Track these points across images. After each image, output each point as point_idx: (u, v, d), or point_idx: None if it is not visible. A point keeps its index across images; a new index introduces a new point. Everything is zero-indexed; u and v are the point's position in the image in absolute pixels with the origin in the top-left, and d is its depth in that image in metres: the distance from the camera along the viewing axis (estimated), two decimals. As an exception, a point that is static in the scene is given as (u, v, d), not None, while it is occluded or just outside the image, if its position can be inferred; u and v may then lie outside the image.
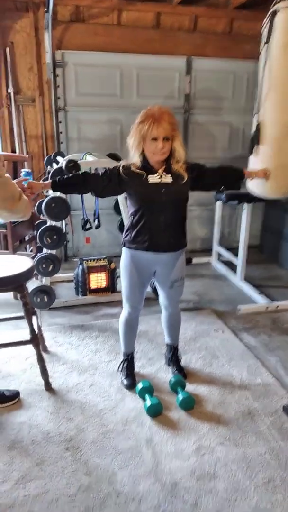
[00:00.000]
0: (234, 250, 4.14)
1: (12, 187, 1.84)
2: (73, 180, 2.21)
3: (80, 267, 3.53)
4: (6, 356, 2.66)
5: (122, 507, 1.70)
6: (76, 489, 1.78)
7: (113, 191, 2.26)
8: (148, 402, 2.21)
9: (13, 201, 1.82)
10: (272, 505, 1.71)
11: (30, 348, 2.46)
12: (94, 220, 3.57)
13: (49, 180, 2.21)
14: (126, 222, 2.29)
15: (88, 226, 3.58)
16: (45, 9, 3.63)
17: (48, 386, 2.41)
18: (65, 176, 2.25)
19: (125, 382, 2.44)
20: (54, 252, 3.29)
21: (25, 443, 2.02)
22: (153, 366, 2.64)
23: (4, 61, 3.86)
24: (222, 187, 2.43)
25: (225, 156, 4.56)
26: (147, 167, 2.08)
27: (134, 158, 2.08)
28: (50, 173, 3.13)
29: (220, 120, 4.54)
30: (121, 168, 2.11)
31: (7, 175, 1.81)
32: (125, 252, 2.25)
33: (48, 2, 3.48)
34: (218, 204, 4.30)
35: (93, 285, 3.53)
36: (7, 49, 3.83)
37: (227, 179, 2.37)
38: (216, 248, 4.46)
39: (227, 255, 4.29)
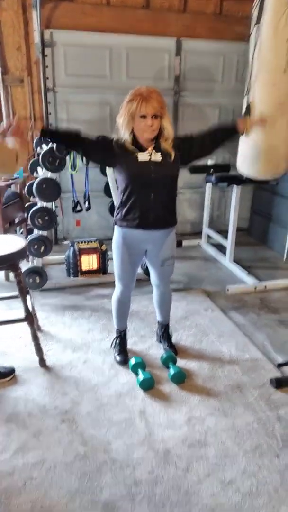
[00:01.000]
0: (223, 233, 4.21)
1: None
2: (67, 131, 2.22)
3: (72, 248, 3.56)
4: (0, 335, 2.70)
5: (117, 472, 1.78)
6: (73, 457, 1.85)
7: (102, 158, 2.27)
8: (141, 376, 2.28)
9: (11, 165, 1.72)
10: (259, 468, 1.81)
11: (23, 327, 2.51)
12: (84, 203, 3.60)
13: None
14: (116, 202, 2.31)
15: (78, 208, 3.61)
16: (33, -13, 3.58)
17: (42, 363, 2.46)
18: (59, 128, 2.24)
19: (118, 358, 2.51)
20: (45, 233, 3.32)
21: (22, 416, 2.08)
22: (145, 343, 2.71)
23: (-9, 40, 3.80)
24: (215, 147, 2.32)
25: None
26: (137, 145, 2.11)
27: (124, 137, 2.11)
28: (41, 154, 3.13)
29: (210, 101, 4.55)
30: (114, 141, 2.13)
31: None
32: (116, 231, 2.29)
33: (36, -21, 3.43)
34: (208, 186, 4.35)
35: (85, 267, 3.56)
36: (-5, 28, 3.77)
37: (218, 138, 2.31)
38: (206, 230, 4.53)
39: (217, 237, 4.35)
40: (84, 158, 3.08)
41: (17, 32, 3.85)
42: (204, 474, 1.78)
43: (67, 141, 2.31)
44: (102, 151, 2.17)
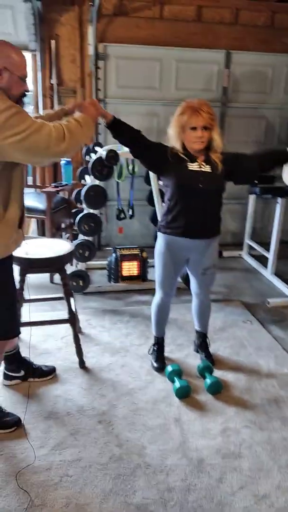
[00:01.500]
0: (265, 245, 4.16)
1: (45, 132, 1.60)
2: (132, 128, 2.21)
3: (114, 255, 3.65)
4: (43, 335, 2.81)
5: (151, 477, 1.81)
6: (108, 458, 1.90)
7: (155, 161, 2.25)
8: (177, 384, 2.30)
9: (57, 143, 1.63)
10: (295, 486, 1.78)
11: (65, 328, 2.61)
12: (128, 211, 3.69)
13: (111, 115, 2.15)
14: (162, 210, 2.36)
15: (122, 216, 3.70)
16: (91, 3, 3.73)
17: (82, 364, 2.54)
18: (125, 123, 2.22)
19: (155, 364, 2.55)
20: (90, 239, 3.42)
21: (61, 414, 2.15)
22: (182, 352, 2.73)
23: (49, 53, 3.99)
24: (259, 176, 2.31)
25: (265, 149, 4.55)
26: (188, 155, 2.16)
27: (175, 147, 2.17)
28: (90, 163, 3.25)
29: (258, 113, 4.54)
30: (170, 148, 2.18)
31: (39, 120, 1.63)
32: (160, 237, 2.34)
33: (93, -4, 3.58)
34: (252, 198, 4.32)
35: (125, 272, 3.64)
36: (52, 42, 3.96)
37: (269, 166, 2.30)
38: (248, 242, 4.49)
39: (259, 249, 4.31)
40: (135, 162, 3.07)
41: (73, 46, 4.02)
42: (237, 486, 1.78)
43: (130, 137, 2.23)
44: (157, 155, 2.20)
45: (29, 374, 2.37)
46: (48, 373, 2.43)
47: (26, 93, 1.73)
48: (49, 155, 1.66)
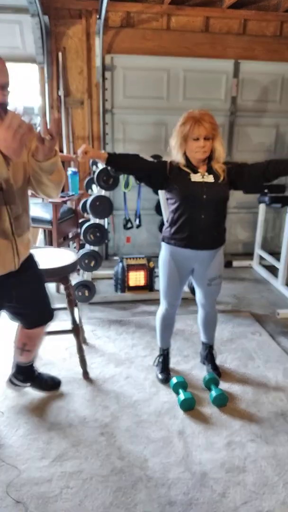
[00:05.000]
0: (276, 255, 4.11)
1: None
2: (127, 160, 2.27)
3: (120, 264, 3.64)
4: (47, 345, 2.79)
5: (152, 490, 1.77)
6: (109, 470, 1.86)
7: (156, 182, 2.28)
8: (182, 396, 2.26)
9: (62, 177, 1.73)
10: (301, 503, 1.72)
11: (70, 338, 2.59)
12: (135, 220, 3.68)
13: (105, 152, 2.23)
14: (167, 218, 2.35)
15: (129, 225, 3.70)
16: (98, 16, 3.78)
17: (86, 375, 2.51)
18: (120, 153, 2.29)
19: (160, 376, 2.51)
20: (96, 249, 3.42)
21: (63, 425, 2.13)
22: (188, 364, 2.69)
23: (57, 65, 4.05)
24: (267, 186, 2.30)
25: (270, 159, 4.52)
26: (189, 166, 2.14)
27: (177, 159, 2.16)
28: (96, 173, 3.26)
29: (267, 122, 4.53)
30: (168, 165, 2.18)
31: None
32: (164, 248, 2.32)
33: (100, 9, 3.62)
34: (262, 207, 4.28)
35: (132, 282, 3.62)
36: (60, 54, 4.02)
37: (273, 175, 2.20)
38: (258, 251, 4.44)
39: (269, 259, 4.25)
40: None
41: (80, 58, 4.08)
42: (241, 501, 1.72)
43: (129, 167, 2.33)
44: (158, 175, 2.21)
45: (35, 386, 2.37)
46: (54, 387, 2.40)
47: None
48: None
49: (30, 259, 1.94)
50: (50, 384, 2.40)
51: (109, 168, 2.37)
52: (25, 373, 2.32)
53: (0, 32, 3.84)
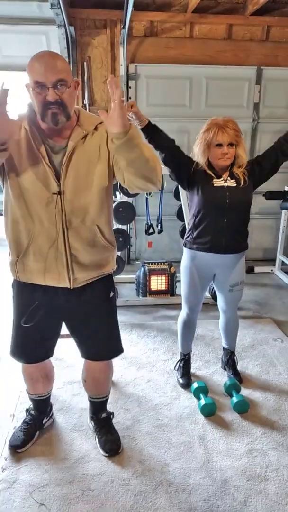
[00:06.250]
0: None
1: None
2: (167, 135, 2.28)
3: (142, 269, 3.67)
4: (71, 347, 2.83)
5: (173, 495, 1.78)
6: (130, 474, 1.88)
7: (182, 171, 2.25)
8: (203, 401, 2.27)
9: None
10: None
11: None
12: (157, 225, 3.71)
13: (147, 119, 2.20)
14: (188, 223, 2.36)
15: (151, 231, 3.73)
16: (122, 26, 3.86)
17: (108, 378, 2.53)
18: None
19: (181, 381, 2.52)
20: (119, 253, 3.46)
21: (85, 427, 2.16)
22: (209, 369, 2.69)
23: (82, 74, 4.14)
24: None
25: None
26: (213, 171, 2.16)
27: (200, 164, 2.19)
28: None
29: (289, 129, 4.49)
30: (195, 163, 2.20)
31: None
32: (186, 253, 2.34)
33: (125, 19, 3.69)
34: (284, 213, 4.25)
35: (153, 287, 3.65)
36: (85, 63, 4.11)
37: (283, 145, 2.23)
38: (280, 257, 4.40)
39: (291, 265, 4.21)
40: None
41: (105, 67, 4.16)
42: (262, 510, 1.71)
43: (161, 142, 2.25)
44: (186, 167, 2.22)
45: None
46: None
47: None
48: None
49: (101, 284, 1.81)
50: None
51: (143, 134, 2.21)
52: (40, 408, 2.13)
53: (27, 43, 3.94)
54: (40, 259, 1.65)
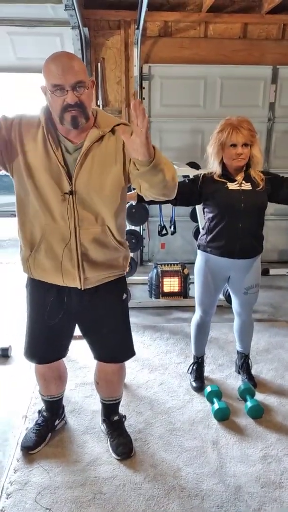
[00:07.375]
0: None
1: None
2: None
3: (155, 270, 3.65)
4: (83, 349, 2.82)
5: (185, 501, 1.75)
6: (142, 478, 1.86)
7: (190, 201, 2.29)
8: (216, 406, 2.23)
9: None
10: None
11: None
12: (170, 227, 3.69)
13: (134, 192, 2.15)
14: (202, 226, 2.33)
15: (164, 232, 3.71)
16: (136, 26, 3.85)
17: (120, 380, 2.51)
18: None
19: (194, 384, 2.49)
20: (132, 254, 3.45)
21: (97, 430, 2.14)
22: (223, 372, 2.65)
23: (96, 75, 4.14)
24: None
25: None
26: (226, 175, 2.13)
27: (213, 166, 2.15)
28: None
29: (305, 128, 4.43)
30: (201, 179, 2.18)
31: None
32: (200, 255, 2.31)
33: (139, 19, 3.68)
34: (299, 215, 4.19)
35: (166, 289, 3.62)
36: (99, 64, 4.11)
37: None
38: (295, 260, 4.34)
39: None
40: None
41: (119, 67, 4.15)
42: (277, 518, 1.68)
43: (161, 202, 2.17)
44: (191, 195, 2.20)
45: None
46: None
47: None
48: None
49: (114, 286, 1.80)
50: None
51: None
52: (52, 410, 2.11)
53: (42, 45, 3.96)
54: (51, 256, 1.66)
